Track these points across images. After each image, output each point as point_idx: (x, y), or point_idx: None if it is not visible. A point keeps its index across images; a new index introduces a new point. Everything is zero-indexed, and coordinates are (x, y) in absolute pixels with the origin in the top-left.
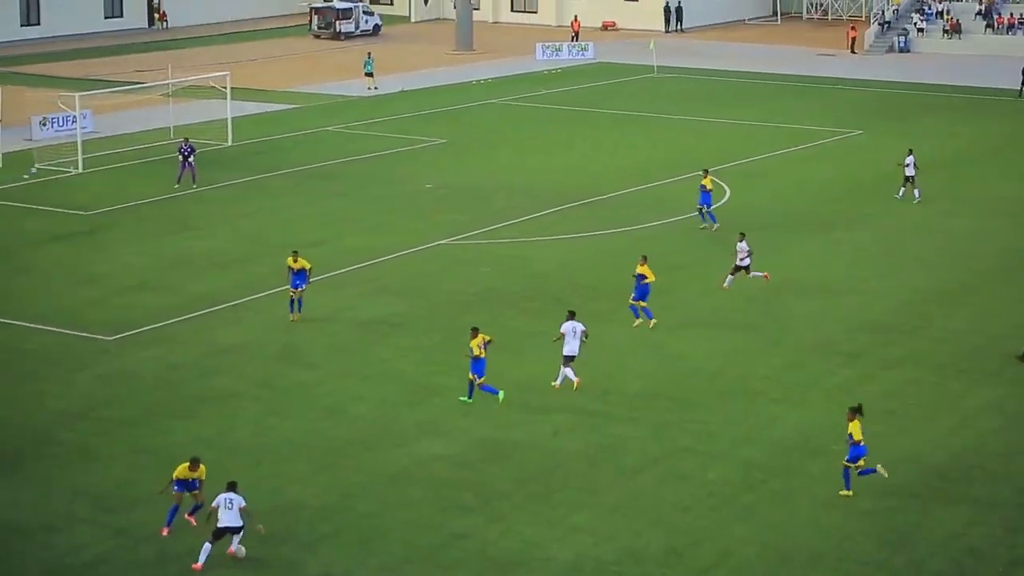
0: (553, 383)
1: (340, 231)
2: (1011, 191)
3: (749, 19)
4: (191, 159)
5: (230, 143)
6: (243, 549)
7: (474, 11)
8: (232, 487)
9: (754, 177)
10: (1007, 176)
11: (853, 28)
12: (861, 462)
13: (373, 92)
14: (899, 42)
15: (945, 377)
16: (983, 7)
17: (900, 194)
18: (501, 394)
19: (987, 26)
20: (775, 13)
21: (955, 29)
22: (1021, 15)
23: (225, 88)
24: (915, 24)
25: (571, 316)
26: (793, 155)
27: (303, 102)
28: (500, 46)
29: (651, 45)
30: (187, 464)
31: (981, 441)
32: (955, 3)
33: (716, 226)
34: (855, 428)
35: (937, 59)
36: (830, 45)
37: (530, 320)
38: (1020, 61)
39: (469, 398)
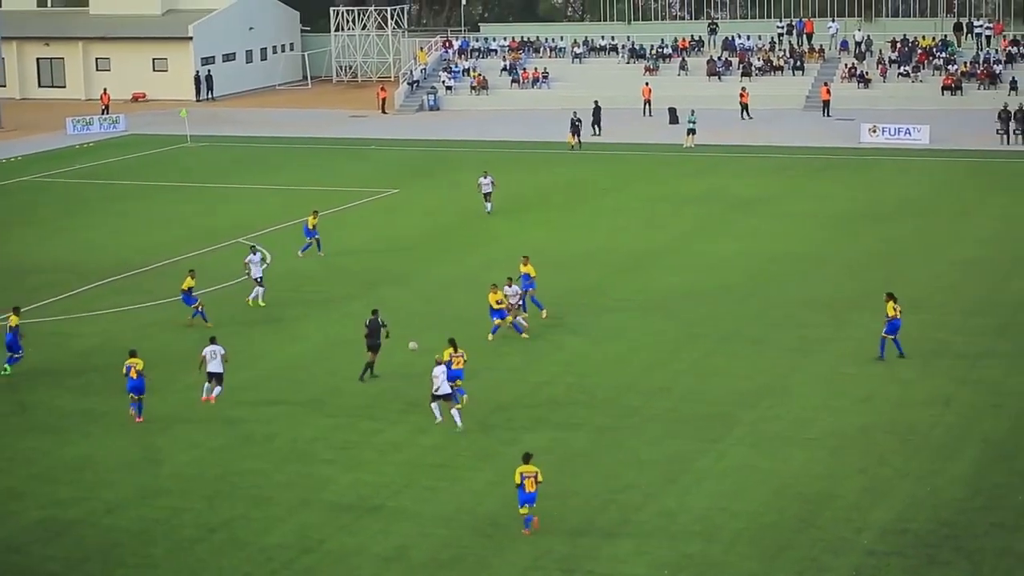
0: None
1: None
2: (545, 239)
3: (280, 84)
4: None
5: None
6: None
7: (0, 88)
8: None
9: (296, 241)
10: (544, 224)
11: (383, 89)
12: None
13: None
14: (429, 100)
15: (493, 426)
16: (508, 63)
17: (488, 209)
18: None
19: (513, 81)
20: (305, 78)
21: (482, 85)
22: (545, 69)
23: None
24: (443, 82)
25: (212, 341)
26: (333, 217)
27: None
28: (30, 122)
29: (183, 114)
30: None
31: None
32: (481, 60)
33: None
34: None
35: (466, 115)
36: (362, 106)
37: (77, 397)
38: (546, 114)
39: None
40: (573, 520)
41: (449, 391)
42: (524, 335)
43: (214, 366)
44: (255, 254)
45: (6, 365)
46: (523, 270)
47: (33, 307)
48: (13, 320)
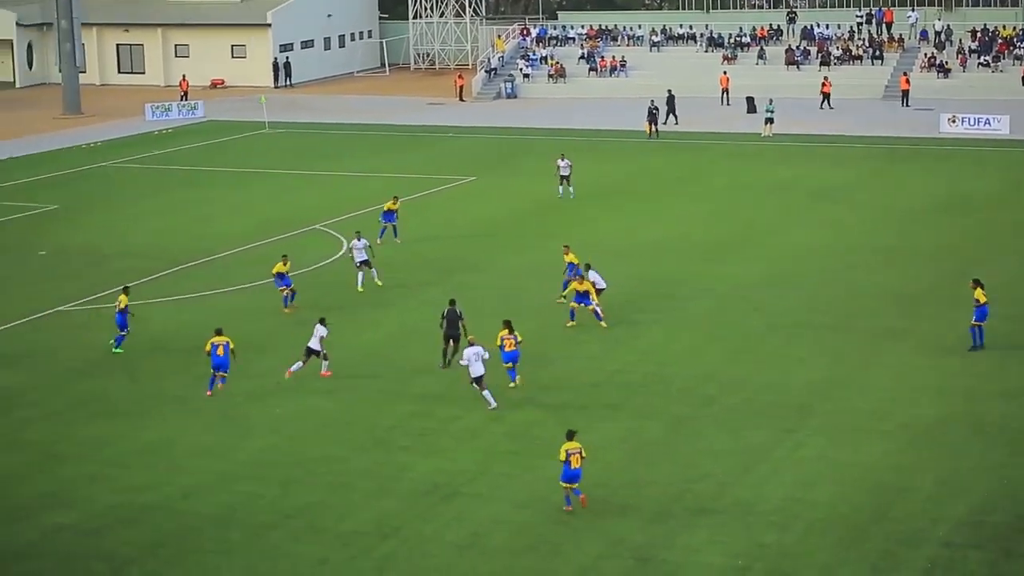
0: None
1: None
2: (622, 227)
3: (358, 72)
4: None
5: None
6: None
7: (81, 74)
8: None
9: (374, 227)
10: (622, 213)
11: (460, 76)
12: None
13: None
14: (506, 88)
15: (566, 415)
16: (585, 51)
17: (560, 193)
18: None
19: (590, 70)
20: (383, 65)
21: (560, 73)
22: (623, 57)
23: None
24: (521, 70)
25: (321, 322)
26: (410, 204)
27: None
28: (109, 108)
29: (262, 100)
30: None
31: (607, 475)
32: (558, 48)
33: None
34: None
35: (544, 103)
36: (439, 94)
37: (153, 382)
38: (623, 103)
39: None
40: (648, 508)
41: (481, 373)
42: (603, 323)
43: (313, 343)
44: (360, 240)
45: (117, 347)
46: (568, 259)
47: (109, 292)
48: (123, 300)
